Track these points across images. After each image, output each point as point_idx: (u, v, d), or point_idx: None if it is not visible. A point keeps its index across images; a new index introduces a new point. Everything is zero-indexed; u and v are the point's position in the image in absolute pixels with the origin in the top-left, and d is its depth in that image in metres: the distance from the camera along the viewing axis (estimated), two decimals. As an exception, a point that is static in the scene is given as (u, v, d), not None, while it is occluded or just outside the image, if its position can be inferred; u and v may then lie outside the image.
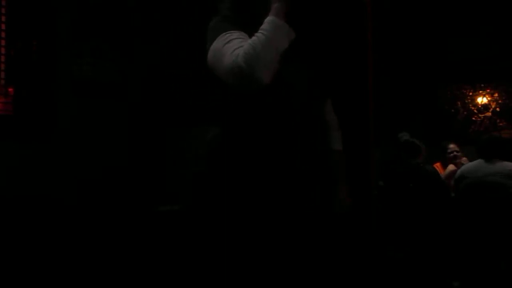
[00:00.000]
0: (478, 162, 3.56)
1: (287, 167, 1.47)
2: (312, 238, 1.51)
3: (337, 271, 1.56)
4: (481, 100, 5.63)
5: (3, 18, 2.77)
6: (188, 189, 1.64)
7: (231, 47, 1.39)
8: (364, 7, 2.47)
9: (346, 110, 2.07)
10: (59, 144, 2.85)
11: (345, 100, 2.26)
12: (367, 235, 2.34)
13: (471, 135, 5.44)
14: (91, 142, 3.01)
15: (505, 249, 3.33)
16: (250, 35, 1.39)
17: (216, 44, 1.44)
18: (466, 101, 5.71)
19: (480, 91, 5.64)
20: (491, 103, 5.58)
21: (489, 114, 5.58)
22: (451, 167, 4.29)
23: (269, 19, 1.40)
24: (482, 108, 5.62)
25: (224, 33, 1.44)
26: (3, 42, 2.77)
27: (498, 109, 5.55)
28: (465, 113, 5.70)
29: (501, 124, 5.51)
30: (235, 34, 1.44)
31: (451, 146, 4.48)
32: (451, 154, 4.42)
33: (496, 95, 5.57)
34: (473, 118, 5.67)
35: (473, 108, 5.67)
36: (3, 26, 2.77)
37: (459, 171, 3.76)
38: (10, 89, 2.78)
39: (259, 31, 1.37)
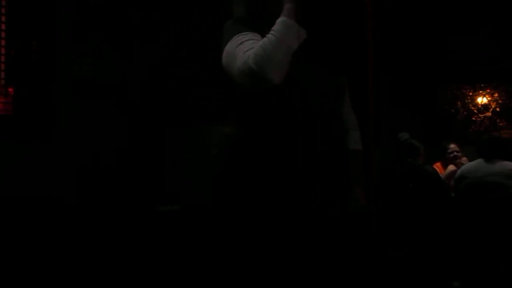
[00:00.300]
0: (478, 162, 3.56)
1: (302, 167, 1.47)
2: (324, 238, 1.51)
3: (345, 270, 1.56)
4: (481, 100, 5.62)
5: (3, 18, 2.77)
6: (208, 191, 1.64)
7: (243, 48, 1.39)
8: (364, 7, 2.47)
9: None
10: (59, 144, 2.85)
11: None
12: (367, 235, 2.34)
13: (471, 135, 5.43)
14: (91, 142, 3.01)
15: (505, 249, 3.33)
16: (264, 37, 1.39)
17: (229, 46, 1.45)
18: (466, 101, 5.70)
19: (480, 91, 5.63)
20: (491, 103, 5.58)
21: (489, 114, 5.57)
22: (451, 167, 4.29)
23: (280, 19, 1.40)
24: (482, 108, 5.61)
25: (237, 35, 1.45)
26: (3, 42, 2.77)
27: (498, 109, 5.54)
28: (465, 113, 5.69)
29: (501, 124, 5.50)
30: (248, 35, 1.44)
31: (451, 146, 4.48)
32: (451, 154, 4.42)
33: (496, 95, 5.56)
34: (473, 118, 5.65)
35: (473, 108, 5.66)
36: (3, 26, 2.77)
37: (459, 171, 3.76)
38: (10, 89, 2.78)
39: (270, 32, 1.38)
